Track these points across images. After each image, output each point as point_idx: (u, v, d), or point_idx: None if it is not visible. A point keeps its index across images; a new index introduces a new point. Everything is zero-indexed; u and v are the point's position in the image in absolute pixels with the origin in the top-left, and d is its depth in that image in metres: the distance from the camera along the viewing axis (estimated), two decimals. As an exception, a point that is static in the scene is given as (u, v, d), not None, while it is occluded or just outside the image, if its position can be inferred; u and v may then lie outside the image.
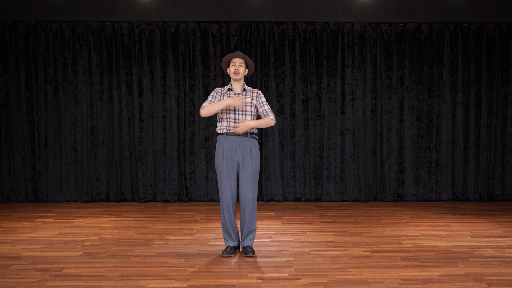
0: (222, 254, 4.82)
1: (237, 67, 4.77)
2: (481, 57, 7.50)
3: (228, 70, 4.84)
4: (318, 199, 7.56)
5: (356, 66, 7.50)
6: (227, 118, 4.76)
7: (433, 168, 7.58)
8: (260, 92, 4.87)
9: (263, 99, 4.85)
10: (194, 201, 7.53)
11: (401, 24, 7.48)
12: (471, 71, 7.52)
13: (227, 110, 4.75)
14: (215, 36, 7.44)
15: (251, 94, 4.83)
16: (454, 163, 7.58)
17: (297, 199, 7.56)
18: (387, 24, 7.48)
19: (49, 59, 7.39)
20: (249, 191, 4.79)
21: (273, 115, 4.82)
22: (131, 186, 7.52)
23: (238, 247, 5.00)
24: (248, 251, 4.82)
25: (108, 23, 7.41)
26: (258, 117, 4.90)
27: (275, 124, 7.45)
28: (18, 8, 7.33)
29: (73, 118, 7.46)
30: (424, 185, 7.59)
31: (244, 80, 5.11)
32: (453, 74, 7.52)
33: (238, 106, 4.67)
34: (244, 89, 4.84)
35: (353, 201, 7.55)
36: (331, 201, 7.53)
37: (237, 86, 4.84)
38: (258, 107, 4.84)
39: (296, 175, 7.55)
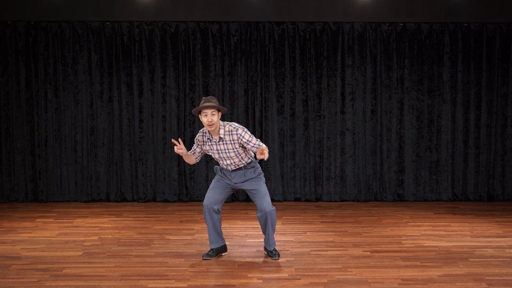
0: (203, 256, 4.77)
1: (210, 118, 4.49)
2: (481, 57, 7.50)
3: (200, 117, 4.56)
4: (318, 199, 7.56)
5: (356, 66, 7.49)
6: (216, 160, 4.75)
7: (433, 168, 7.57)
8: (239, 130, 4.56)
9: (247, 136, 4.56)
10: (194, 201, 7.52)
11: (401, 24, 7.48)
12: (471, 71, 7.51)
13: (212, 155, 4.68)
14: (215, 36, 7.43)
15: (231, 137, 4.56)
16: (454, 163, 7.57)
17: (297, 199, 7.56)
18: (387, 24, 7.48)
19: (49, 59, 7.38)
20: (266, 202, 4.67)
21: (259, 141, 4.61)
22: (131, 186, 7.52)
23: (224, 248, 4.90)
24: (274, 254, 4.82)
25: (108, 23, 7.41)
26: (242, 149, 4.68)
27: (275, 124, 7.50)
28: (18, 8, 7.33)
29: (73, 118, 7.46)
30: (424, 185, 7.59)
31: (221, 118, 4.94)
32: (453, 74, 7.52)
33: None
34: (220, 137, 4.57)
35: (353, 201, 7.55)
36: (331, 201, 7.52)
37: (213, 134, 4.60)
38: (245, 145, 4.60)
39: (296, 175, 7.55)
